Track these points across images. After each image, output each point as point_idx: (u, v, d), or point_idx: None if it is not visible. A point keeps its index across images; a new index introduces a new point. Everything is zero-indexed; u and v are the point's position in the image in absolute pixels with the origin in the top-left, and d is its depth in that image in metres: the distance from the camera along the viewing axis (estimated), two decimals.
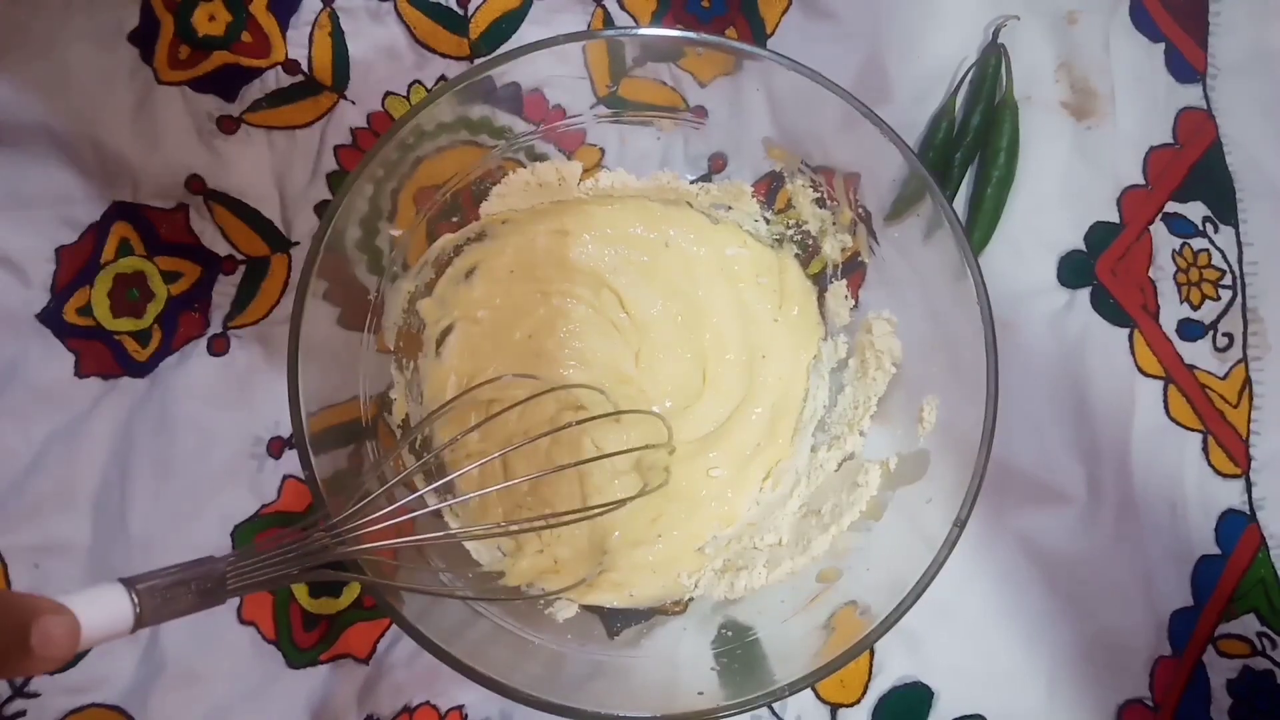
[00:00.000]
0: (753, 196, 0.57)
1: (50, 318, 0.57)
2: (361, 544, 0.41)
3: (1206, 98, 0.66)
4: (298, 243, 0.60)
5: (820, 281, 0.58)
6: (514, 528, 0.52)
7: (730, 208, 0.58)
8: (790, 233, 0.58)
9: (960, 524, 0.44)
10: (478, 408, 0.55)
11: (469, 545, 0.53)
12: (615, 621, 0.53)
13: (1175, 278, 0.63)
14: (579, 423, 0.52)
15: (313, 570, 0.40)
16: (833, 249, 0.56)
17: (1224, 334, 0.63)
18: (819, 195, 0.55)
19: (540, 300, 0.57)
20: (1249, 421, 0.62)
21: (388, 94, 0.61)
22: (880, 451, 0.53)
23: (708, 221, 0.58)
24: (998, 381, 0.45)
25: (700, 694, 0.45)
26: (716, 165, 0.58)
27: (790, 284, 0.58)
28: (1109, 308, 0.62)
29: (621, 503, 0.50)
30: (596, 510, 0.49)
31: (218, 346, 0.58)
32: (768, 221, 0.58)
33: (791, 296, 0.58)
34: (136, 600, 0.34)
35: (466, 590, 0.50)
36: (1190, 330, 0.63)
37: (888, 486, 0.51)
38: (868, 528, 0.50)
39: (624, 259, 0.57)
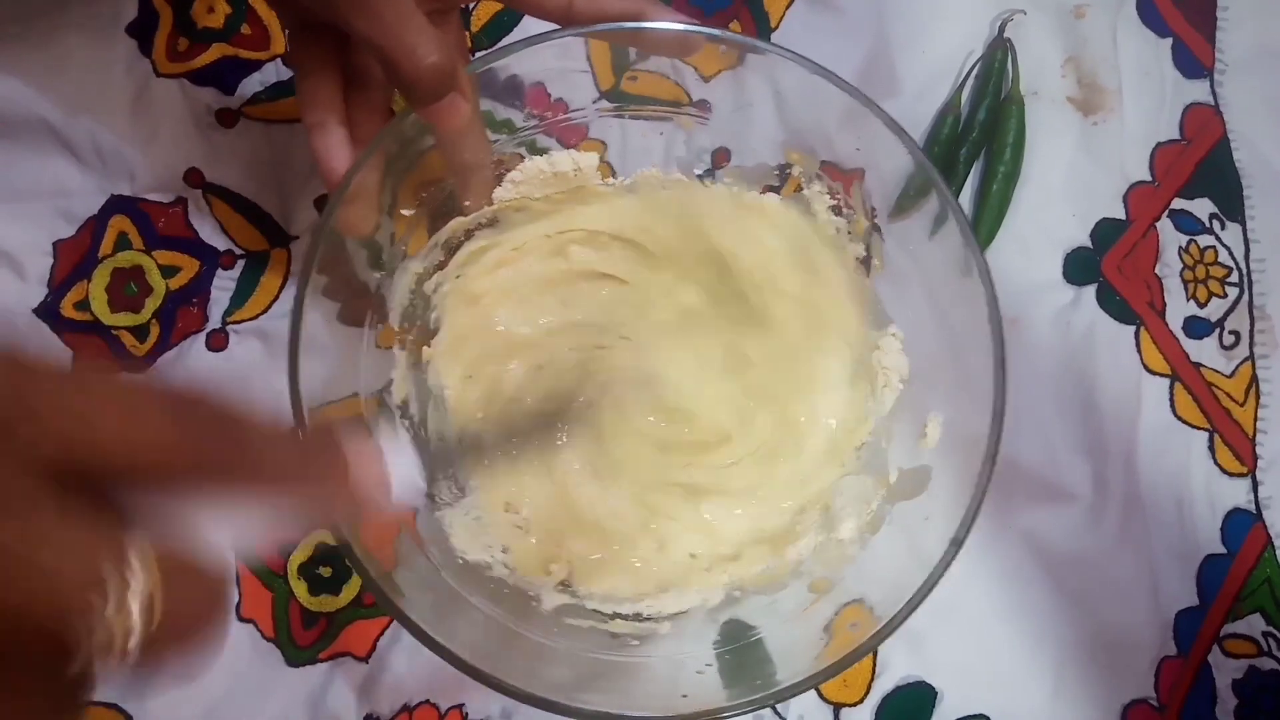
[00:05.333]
0: (760, 191, 0.56)
1: (47, 312, 0.57)
2: None
3: (1214, 94, 0.66)
4: (297, 237, 0.59)
5: None
6: None
7: None
8: None
9: (957, 543, 0.43)
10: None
11: (458, 542, 0.52)
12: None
13: (1182, 275, 0.63)
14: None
15: None
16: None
17: (1230, 332, 0.63)
18: (835, 203, 0.54)
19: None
20: (1255, 420, 0.61)
21: None
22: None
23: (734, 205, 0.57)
24: (1004, 396, 0.44)
25: (703, 694, 0.45)
26: (720, 160, 0.58)
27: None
28: (1115, 305, 0.62)
29: None
30: None
31: (216, 342, 0.57)
32: None
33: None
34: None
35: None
36: (1197, 328, 0.62)
37: (887, 501, 0.50)
38: (864, 542, 0.50)
39: (638, 251, 0.56)
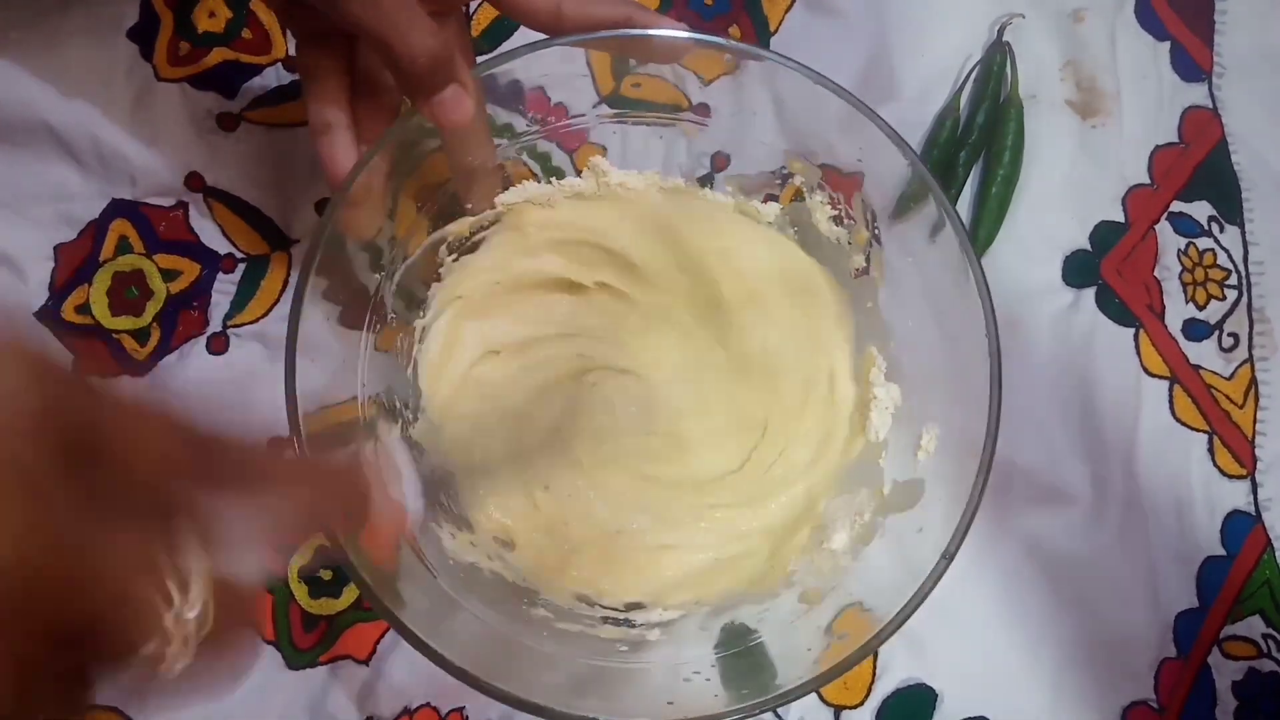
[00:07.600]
0: (761, 200, 0.56)
1: (48, 316, 0.57)
2: None
3: (1212, 96, 0.66)
4: (298, 240, 0.59)
5: None
6: None
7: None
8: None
9: (948, 557, 0.43)
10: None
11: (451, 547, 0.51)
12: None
13: (1181, 277, 0.63)
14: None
15: None
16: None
17: (1229, 334, 0.63)
18: (837, 213, 0.54)
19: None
20: (1255, 422, 0.61)
21: None
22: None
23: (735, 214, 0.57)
24: (999, 413, 0.44)
25: (700, 699, 0.45)
26: (719, 164, 0.58)
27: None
28: (1114, 307, 0.62)
29: None
30: None
31: (217, 345, 0.57)
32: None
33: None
34: None
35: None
36: (1196, 330, 0.62)
37: (879, 513, 0.50)
38: (856, 553, 0.49)
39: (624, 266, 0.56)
